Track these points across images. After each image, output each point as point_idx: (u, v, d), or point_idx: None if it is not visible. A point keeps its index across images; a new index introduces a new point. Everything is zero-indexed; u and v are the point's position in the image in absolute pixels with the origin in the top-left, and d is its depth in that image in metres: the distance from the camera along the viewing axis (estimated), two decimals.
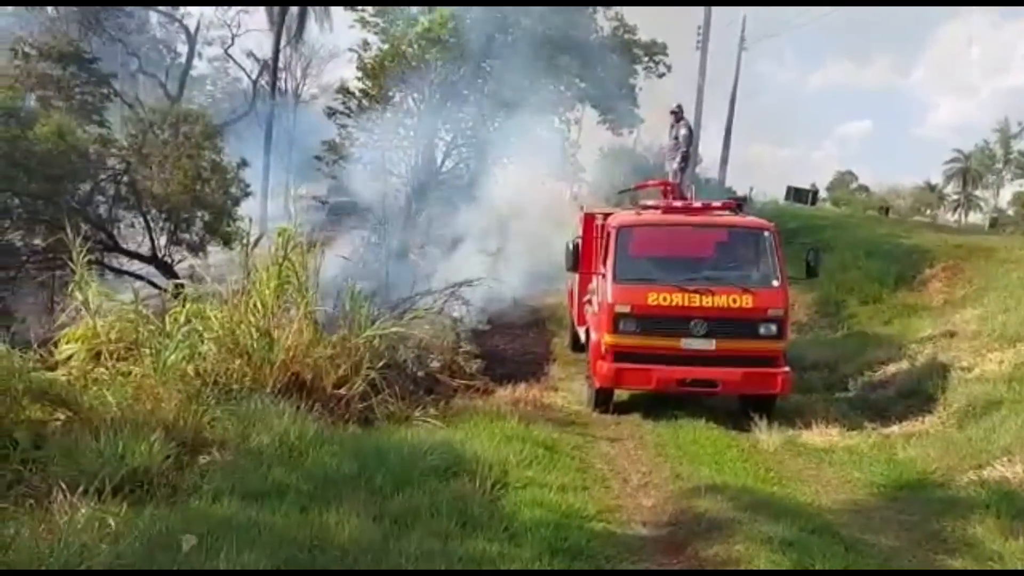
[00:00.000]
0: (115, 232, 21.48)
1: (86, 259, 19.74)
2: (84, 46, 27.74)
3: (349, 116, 22.75)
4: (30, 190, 18.43)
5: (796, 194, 43.44)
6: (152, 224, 21.59)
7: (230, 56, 43.17)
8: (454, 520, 5.09)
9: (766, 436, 8.50)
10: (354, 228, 25.33)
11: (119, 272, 20.81)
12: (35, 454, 5.63)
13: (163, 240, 21.91)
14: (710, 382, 9.12)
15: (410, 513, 5.16)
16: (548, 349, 14.31)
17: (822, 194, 50.30)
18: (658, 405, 9.57)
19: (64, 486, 4.73)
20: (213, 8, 39.06)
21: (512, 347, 14.03)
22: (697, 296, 9.00)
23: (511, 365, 12.26)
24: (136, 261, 21.53)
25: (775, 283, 9.27)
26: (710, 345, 9.05)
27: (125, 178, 20.82)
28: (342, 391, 8.37)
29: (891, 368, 11.74)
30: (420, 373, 10.19)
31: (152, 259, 21.42)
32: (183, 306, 7.62)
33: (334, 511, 4.98)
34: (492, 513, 5.43)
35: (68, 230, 7.28)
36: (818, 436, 8.79)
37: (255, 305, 8.58)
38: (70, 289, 7.23)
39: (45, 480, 5.20)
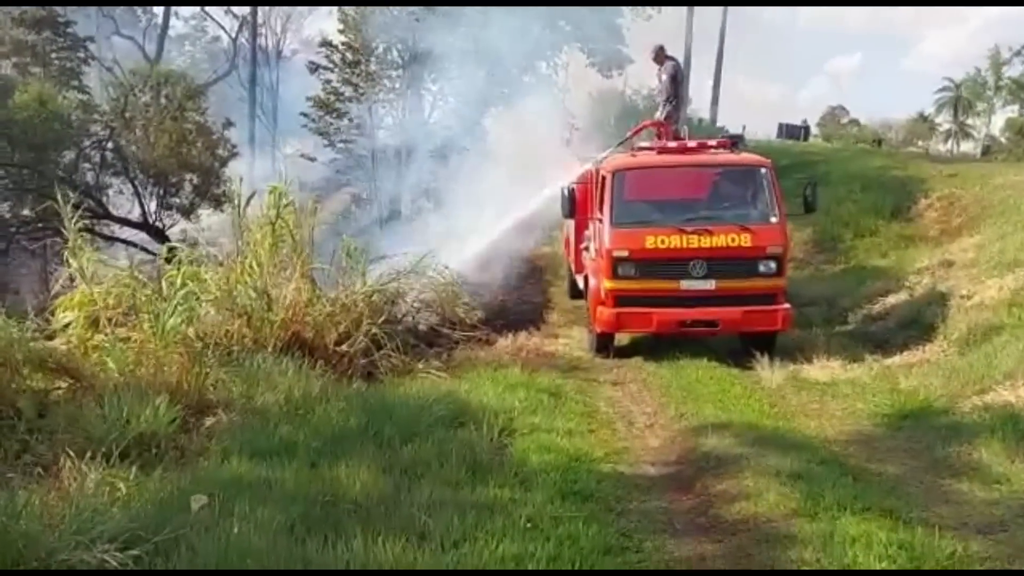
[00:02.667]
0: (104, 199, 21.32)
1: (77, 227, 19.56)
2: (58, 10, 27.14)
3: (333, 71, 22.36)
4: (14, 159, 18.21)
5: (788, 130, 43.14)
6: (140, 189, 21.41)
7: (207, 14, 42.31)
8: (463, 468, 5.11)
9: (768, 373, 8.52)
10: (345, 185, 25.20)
11: (111, 239, 20.71)
12: (40, 423, 5.64)
13: (153, 205, 21.76)
14: (710, 322, 9.12)
15: (419, 463, 5.17)
16: (546, 298, 14.30)
17: (813, 131, 49.96)
18: (659, 347, 9.58)
19: (71, 453, 4.72)
20: None
21: (511, 297, 13.99)
22: (695, 237, 8.94)
23: (511, 315, 12.24)
24: (128, 228, 21.43)
25: (773, 220, 9.20)
26: (709, 285, 9.02)
27: (110, 144, 20.57)
28: (344, 348, 8.37)
29: (890, 300, 11.77)
30: (421, 327, 10.18)
31: (143, 225, 21.29)
32: (178, 270, 7.53)
33: (344, 465, 4.99)
34: (501, 460, 5.45)
35: (59, 198, 7.11)
36: (820, 370, 8.81)
37: (251, 266, 8.53)
38: (64, 257, 7.12)
39: (52, 448, 5.21)
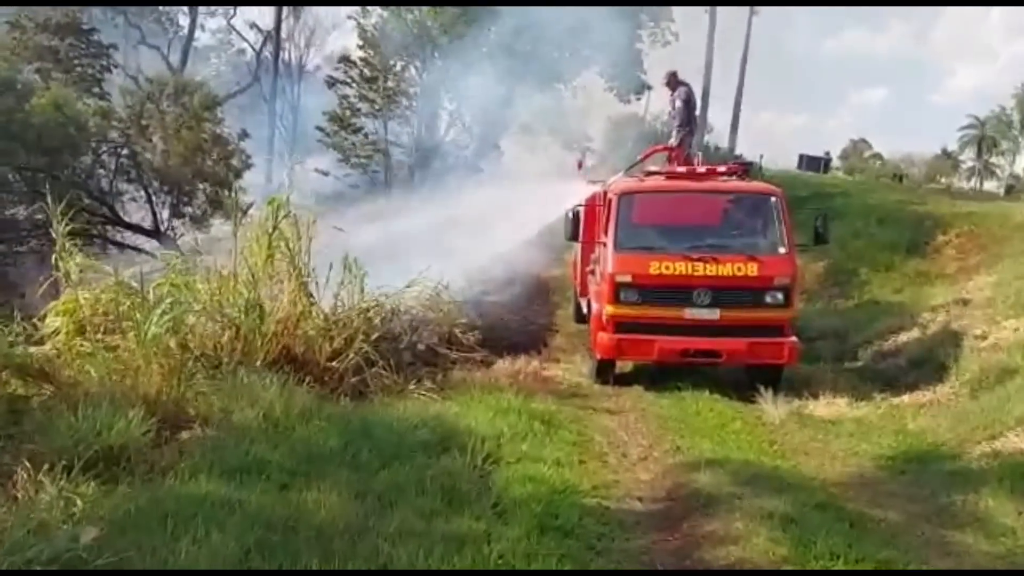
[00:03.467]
0: (118, 206, 21.38)
1: (88, 233, 19.48)
2: (85, 18, 27.42)
3: (350, 86, 22.39)
4: (29, 163, 18.27)
5: (808, 162, 42.91)
6: (154, 197, 21.46)
7: (232, 27, 42.76)
8: (440, 497, 4.88)
9: (772, 408, 8.26)
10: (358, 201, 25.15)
11: (122, 246, 20.73)
12: (12, 430, 5.46)
13: (165, 213, 21.80)
14: (714, 353, 8.87)
15: (395, 490, 4.95)
16: (551, 320, 14.09)
17: (835, 163, 49.61)
18: (661, 376, 9.34)
19: (28, 464, 4.54)
20: None
21: (515, 319, 13.76)
22: (701, 264, 8.73)
23: (513, 337, 12.00)
24: (140, 235, 21.44)
25: (782, 250, 8.97)
26: (714, 315, 8.79)
27: (125, 150, 20.64)
28: (335, 364, 8.17)
29: (902, 337, 11.46)
30: (420, 345, 9.97)
31: (155, 232, 21.31)
32: (167, 278, 7.39)
33: (315, 488, 4.78)
34: (481, 489, 5.21)
35: (49, 201, 6.99)
36: (825, 407, 8.55)
37: (246, 276, 8.37)
38: (54, 261, 7.01)
39: (17, 458, 5.02)
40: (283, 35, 38.99)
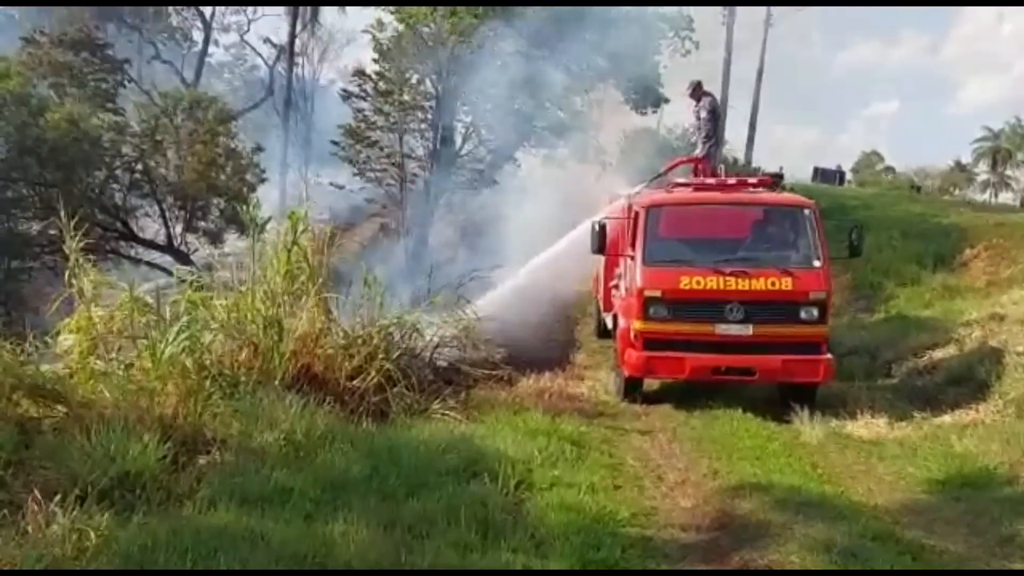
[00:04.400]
0: (132, 221, 21.27)
1: (102, 248, 19.25)
2: (101, 34, 27.44)
3: (365, 99, 22.22)
4: (43, 178, 18.18)
5: (822, 175, 42.61)
6: (167, 212, 21.34)
7: (246, 42, 42.86)
8: (474, 528, 4.59)
9: (808, 428, 7.93)
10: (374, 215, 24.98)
11: (137, 261, 20.59)
12: (23, 455, 5.20)
13: (179, 228, 21.67)
14: (747, 370, 8.55)
15: (425, 520, 4.67)
16: (573, 337, 13.79)
17: (847, 176, 49.22)
18: (691, 394, 9.03)
19: (38, 493, 4.27)
20: None
21: (536, 335, 13.45)
22: (733, 279, 8.42)
23: (535, 354, 11.69)
24: (154, 250, 21.32)
25: (817, 264, 8.66)
26: (747, 331, 8.47)
27: (139, 165, 20.54)
28: (356, 383, 7.90)
29: (937, 353, 11.07)
30: (441, 363, 9.69)
31: (168, 248, 21.18)
32: (184, 295, 7.14)
33: (341, 519, 4.50)
34: (516, 519, 4.92)
35: (61, 215, 6.77)
36: (864, 427, 8.22)
37: (265, 293, 8.13)
38: (66, 277, 6.77)
39: (27, 485, 4.76)
40: (296, 49, 38.97)
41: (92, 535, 3.93)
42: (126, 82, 26.10)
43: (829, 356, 8.73)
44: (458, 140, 21.87)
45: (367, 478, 5.25)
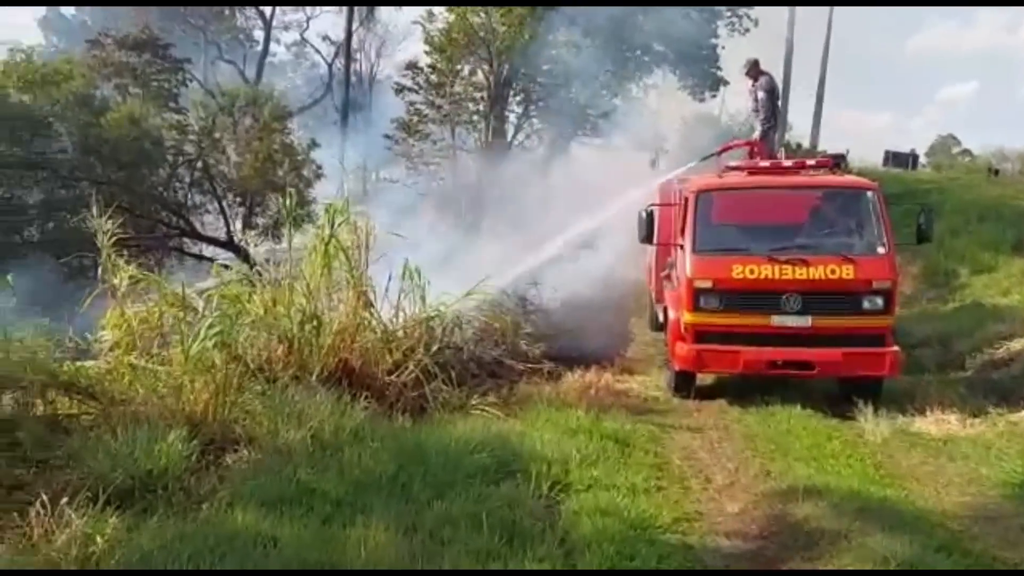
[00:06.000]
0: (194, 218, 21.65)
1: (166, 245, 19.54)
2: (166, 35, 28.05)
3: (417, 92, 22.15)
4: (105, 177, 18.60)
5: (894, 158, 40.96)
6: (227, 209, 21.65)
7: (305, 40, 43.39)
8: (499, 533, 4.32)
9: (872, 425, 7.41)
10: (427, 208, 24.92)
11: (200, 258, 20.96)
12: (48, 454, 5.15)
13: (238, 225, 21.98)
14: (806, 364, 8.06)
15: (448, 524, 4.42)
16: (626, 329, 13.38)
17: (922, 160, 47.25)
18: (746, 389, 8.58)
19: (55, 494, 4.17)
20: None
21: (587, 328, 13.10)
22: (790, 267, 7.94)
23: (584, 347, 11.36)
24: (215, 247, 21.65)
25: (881, 250, 8.11)
26: (805, 322, 7.99)
27: (199, 163, 20.89)
28: (394, 377, 7.73)
29: (1016, 344, 10.34)
30: (485, 357, 9.46)
31: (229, 244, 21.49)
32: (219, 290, 7.06)
33: (360, 522, 4.29)
34: (546, 523, 4.63)
35: (94, 209, 6.74)
36: (933, 424, 7.65)
37: (306, 287, 8.02)
38: (98, 274, 6.75)
39: (49, 485, 4.69)
40: (354, 45, 39.29)
41: (99, 540, 3.79)
42: (189, 82, 26.67)
43: (895, 348, 8.17)
44: (510, 131, 21.64)
45: (392, 478, 5.04)
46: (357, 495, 4.76)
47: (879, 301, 8.01)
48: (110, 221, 6.89)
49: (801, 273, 7.95)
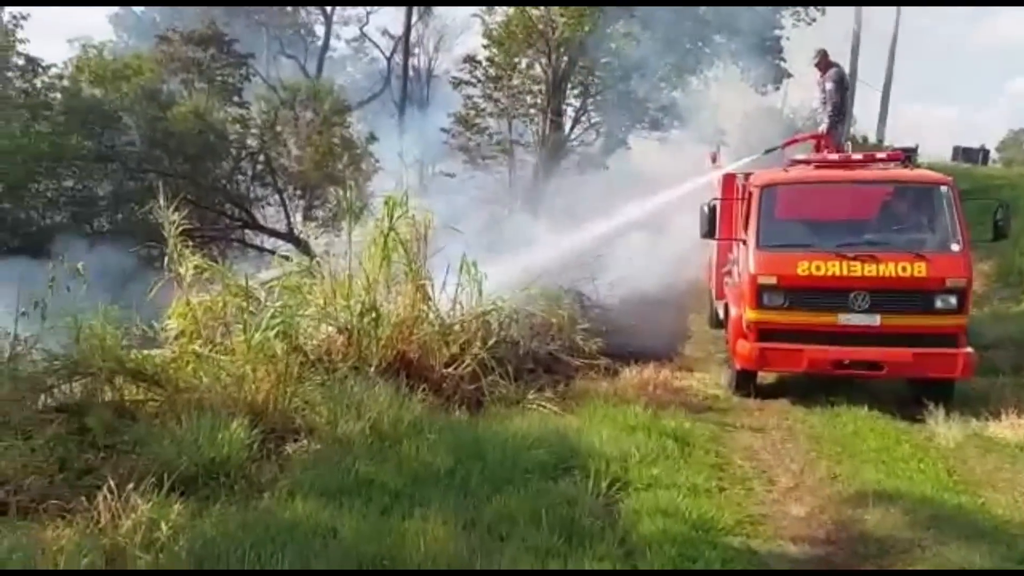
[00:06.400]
0: (256, 210, 22.10)
1: (229, 237, 19.90)
2: (229, 31, 28.62)
3: (475, 86, 22.14)
4: (171, 169, 19.09)
5: (964, 153, 39.57)
6: (288, 202, 22.04)
7: (365, 35, 43.80)
8: (558, 531, 4.26)
9: (944, 429, 7.13)
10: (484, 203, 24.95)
11: (263, 250, 21.36)
12: (116, 440, 5.27)
13: (298, 217, 22.33)
14: (873, 364, 7.79)
15: (507, 520, 4.38)
16: (684, 326, 13.15)
17: (992, 155, 45.54)
18: (810, 389, 8.34)
19: (121, 480, 4.25)
20: None
21: (645, 324, 12.93)
22: (858, 264, 7.68)
23: (642, 343, 11.20)
24: (278, 239, 22.04)
25: (955, 247, 7.78)
26: (874, 321, 7.72)
27: (261, 156, 21.30)
28: (451, 371, 7.72)
29: None
30: (540, 351, 9.39)
31: (289, 236, 21.86)
32: (281, 281, 7.14)
33: (419, 515, 4.27)
34: (606, 522, 4.55)
35: (161, 200, 6.87)
36: (1009, 429, 7.31)
37: (365, 279, 8.07)
38: (165, 263, 6.88)
39: (116, 470, 4.79)
40: (412, 40, 39.49)
41: (164, 526, 3.85)
42: (252, 76, 27.14)
43: (969, 349, 7.84)
44: (568, 124, 21.48)
45: (450, 472, 5.02)
46: (415, 487, 4.75)
47: (952, 300, 7.69)
48: (176, 212, 7.03)
49: (870, 270, 7.68)
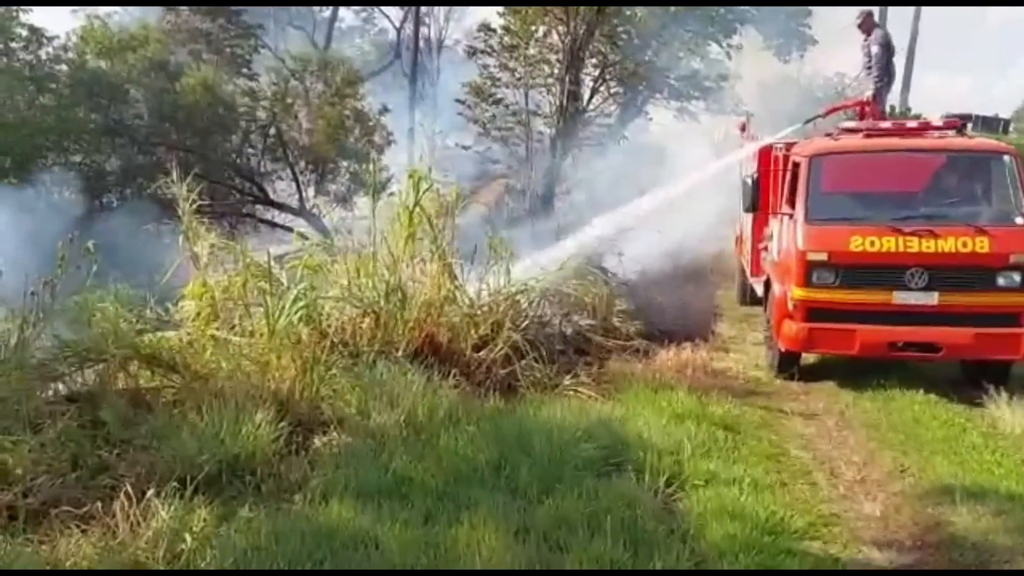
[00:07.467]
0: (267, 185, 21.62)
1: (239, 212, 19.41)
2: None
3: (491, 55, 21.51)
4: (180, 143, 18.61)
5: (984, 123, 38.72)
6: (299, 176, 21.54)
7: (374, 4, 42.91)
8: (621, 538, 3.85)
9: (1007, 414, 6.68)
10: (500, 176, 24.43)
11: (274, 225, 20.93)
12: (132, 434, 4.87)
13: (311, 192, 21.85)
14: (930, 346, 7.33)
15: (563, 525, 3.97)
16: (712, 303, 12.68)
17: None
18: (856, 370, 7.90)
19: (139, 480, 3.86)
20: None
21: (671, 301, 12.47)
22: (915, 239, 7.19)
23: (671, 322, 10.74)
24: (289, 214, 21.59)
25: (1020, 221, 7.28)
26: (931, 299, 7.24)
27: (272, 129, 20.77)
28: (482, 354, 7.31)
29: None
30: (568, 331, 8.96)
31: (301, 211, 21.40)
32: (302, 260, 6.71)
33: (466, 521, 3.87)
34: (669, 527, 4.14)
35: (175, 176, 6.43)
36: None
37: (387, 257, 7.64)
38: (180, 241, 6.46)
39: (133, 468, 4.40)
40: (423, 10, 38.68)
41: (188, 537, 3.45)
42: (260, 48, 26.53)
43: None
44: (586, 95, 20.85)
45: (495, 469, 4.62)
46: (458, 487, 4.36)
47: (1016, 277, 7.20)
48: (187, 188, 6.60)
49: (928, 245, 7.20)
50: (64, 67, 18.11)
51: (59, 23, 20.80)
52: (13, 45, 17.39)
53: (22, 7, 17.23)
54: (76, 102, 17.28)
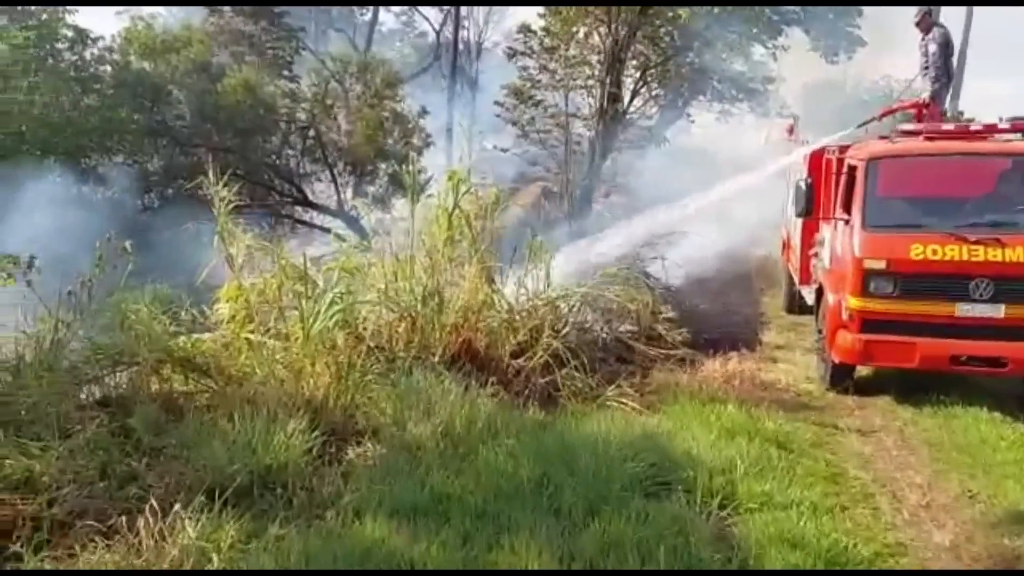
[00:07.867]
0: (306, 186, 21.66)
1: (278, 213, 19.42)
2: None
3: (530, 56, 21.29)
4: (221, 144, 18.69)
5: None
6: (338, 178, 21.54)
7: (416, 8, 43.01)
8: (675, 568, 3.58)
9: None
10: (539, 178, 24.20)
11: (313, 226, 20.95)
12: (163, 442, 4.72)
13: (349, 193, 21.85)
14: (995, 360, 6.92)
15: (612, 551, 3.72)
16: (757, 310, 12.31)
17: None
18: (913, 384, 7.51)
19: (165, 493, 3.70)
20: None
21: (714, 308, 12.13)
22: (981, 248, 6.80)
23: (716, 329, 10.41)
24: (328, 215, 21.59)
25: None
26: (997, 312, 6.84)
27: (311, 131, 20.80)
28: (520, 361, 7.08)
29: None
30: (610, 339, 8.68)
31: (339, 212, 21.39)
32: (339, 262, 6.54)
33: (508, 544, 3.64)
34: (725, 556, 3.86)
35: (212, 176, 6.29)
36: None
37: (425, 261, 7.45)
38: (214, 242, 6.32)
39: (162, 477, 4.25)
40: (463, 13, 38.65)
41: (215, 557, 3.27)
42: (301, 49, 26.65)
43: None
44: (626, 96, 20.52)
45: (537, 487, 4.38)
46: (499, 505, 4.13)
47: None
48: (226, 188, 6.47)
49: (995, 255, 6.80)
50: (108, 68, 18.31)
51: (104, 24, 21.07)
52: (59, 46, 17.57)
53: (67, 7, 17.37)
54: (120, 103, 17.43)
